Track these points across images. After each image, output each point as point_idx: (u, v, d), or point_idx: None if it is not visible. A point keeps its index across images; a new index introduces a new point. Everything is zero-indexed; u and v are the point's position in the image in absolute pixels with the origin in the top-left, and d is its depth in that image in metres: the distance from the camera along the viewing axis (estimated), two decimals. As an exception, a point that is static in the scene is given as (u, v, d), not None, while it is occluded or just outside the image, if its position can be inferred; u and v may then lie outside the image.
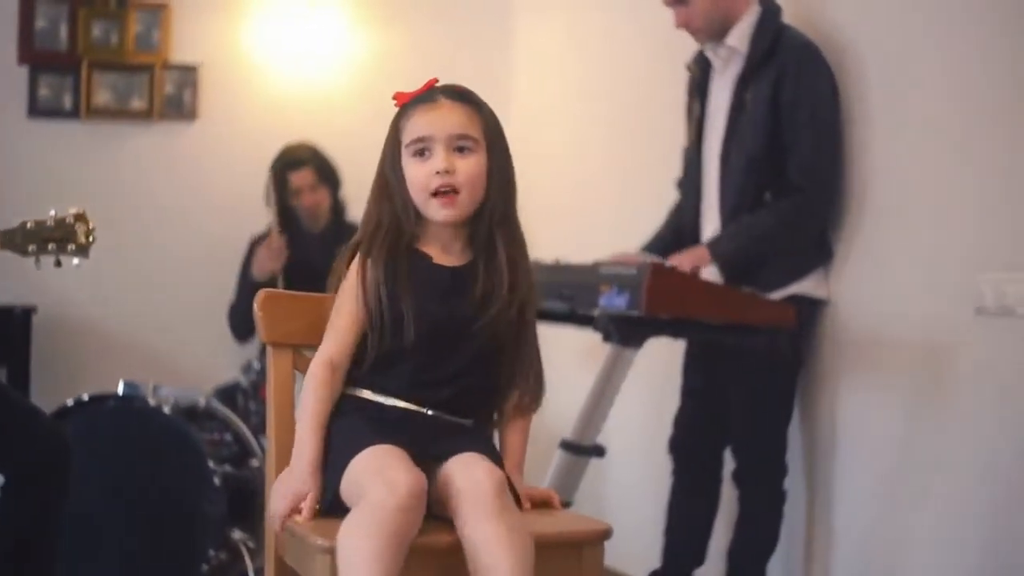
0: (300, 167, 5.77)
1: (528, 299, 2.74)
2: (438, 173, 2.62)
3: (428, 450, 2.56)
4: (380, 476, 2.42)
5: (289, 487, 2.59)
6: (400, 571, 2.37)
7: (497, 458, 2.62)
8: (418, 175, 2.64)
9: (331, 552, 2.40)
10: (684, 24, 4.23)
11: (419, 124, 2.65)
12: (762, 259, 4.10)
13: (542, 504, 2.70)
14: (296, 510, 2.57)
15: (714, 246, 4.11)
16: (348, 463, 2.52)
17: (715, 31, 4.20)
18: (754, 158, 4.12)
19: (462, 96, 2.71)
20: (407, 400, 2.64)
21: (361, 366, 2.68)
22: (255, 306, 2.81)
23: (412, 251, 2.69)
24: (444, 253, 2.70)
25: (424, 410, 2.64)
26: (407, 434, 2.57)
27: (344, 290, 2.69)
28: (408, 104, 2.69)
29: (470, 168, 2.65)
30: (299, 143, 5.84)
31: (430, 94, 2.69)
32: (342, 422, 2.63)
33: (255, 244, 5.85)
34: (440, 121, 2.64)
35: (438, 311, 2.64)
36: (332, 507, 2.54)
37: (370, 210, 2.73)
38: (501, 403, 2.77)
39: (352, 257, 2.70)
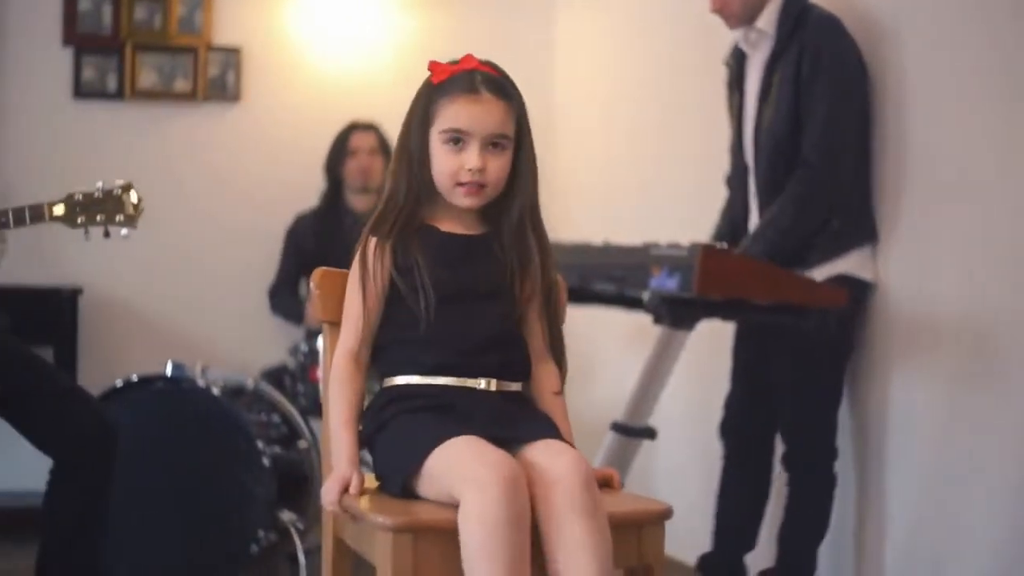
0: (367, 130, 5.85)
1: (555, 283, 2.76)
2: (470, 170, 2.63)
3: (500, 434, 2.53)
4: (469, 478, 2.39)
5: (334, 478, 2.58)
6: (528, 550, 2.39)
7: (567, 441, 2.61)
8: (449, 164, 2.65)
9: (392, 530, 2.40)
10: (719, 9, 4.23)
11: (459, 116, 2.64)
12: (798, 245, 4.08)
13: (603, 484, 2.68)
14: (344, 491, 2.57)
15: (745, 252, 4.08)
16: (422, 457, 2.50)
17: (748, 15, 4.19)
18: (779, 136, 4.10)
19: (502, 90, 2.68)
20: (453, 375, 2.63)
21: (391, 353, 2.68)
22: (311, 284, 2.80)
23: (422, 225, 2.70)
24: (456, 224, 2.72)
25: (476, 382, 2.63)
26: (471, 418, 2.55)
27: (352, 277, 2.70)
28: (448, 86, 2.66)
29: (500, 167, 2.66)
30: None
31: (471, 82, 2.65)
32: (401, 418, 2.61)
33: (300, 221, 5.88)
34: (481, 118, 2.64)
35: (453, 277, 2.65)
36: (401, 494, 2.57)
37: (390, 184, 2.73)
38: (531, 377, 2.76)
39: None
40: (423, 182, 2.68)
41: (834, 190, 4.08)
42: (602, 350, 5.71)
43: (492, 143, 2.64)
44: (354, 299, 2.69)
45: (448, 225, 2.71)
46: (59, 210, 3.54)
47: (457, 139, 2.63)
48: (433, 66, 2.71)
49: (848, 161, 4.09)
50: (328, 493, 2.56)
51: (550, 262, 2.74)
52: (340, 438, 2.61)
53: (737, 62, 4.36)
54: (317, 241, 5.75)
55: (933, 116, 3.99)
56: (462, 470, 2.42)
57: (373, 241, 2.68)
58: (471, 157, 2.63)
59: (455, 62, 2.69)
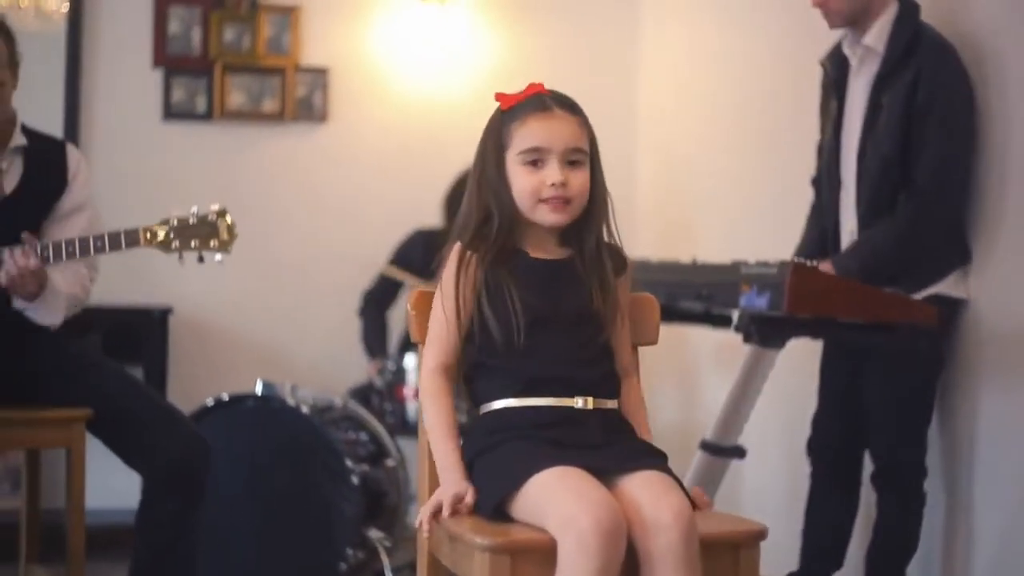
0: None
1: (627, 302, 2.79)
2: (553, 185, 2.65)
3: (602, 465, 2.53)
4: (567, 520, 2.39)
5: (446, 490, 2.59)
6: None
7: (671, 471, 2.60)
8: (530, 183, 2.67)
9: (490, 550, 2.42)
10: (822, 3, 4.17)
11: (534, 134, 2.67)
12: (889, 271, 4.05)
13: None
14: (455, 510, 2.57)
15: (838, 264, 4.06)
16: (520, 482, 2.50)
17: (850, 18, 4.12)
18: (889, 160, 4.06)
19: (572, 107, 2.73)
20: (549, 395, 2.64)
21: (484, 378, 2.70)
22: (408, 305, 2.83)
23: (513, 250, 2.73)
24: (540, 250, 2.74)
25: (572, 401, 2.63)
26: (572, 445, 2.56)
27: (442, 291, 2.71)
28: (518, 110, 2.71)
29: (581, 182, 2.69)
30: None
31: (542, 102, 2.70)
32: (501, 446, 2.61)
33: (416, 236, 5.88)
34: (557, 133, 2.67)
35: (542, 302, 2.66)
36: (493, 516, 2.57)
37: (476, 204, 2.74)
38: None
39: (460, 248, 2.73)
40: (508, 207, 2.71)
41: (942, 223, 4.05)
42: (693, 368, 5.70)
43: (570, 160, 2.68)
44: (445, 310, 2.70)
45: (534, 251, 2.74)
46: (154, 236, 3.59)
47: (536, 160, 2.67)
48: (500, 97, 2.75)
49: (958, 197, 4.06)
50: (440, 506, 2.57)
51: (627, 280, 2.78)
52: (447, 451, 2.64)
53: (836, 67, 4.28)
54: (424, 256, 5.75)
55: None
56: (560, 507, 2.42)
57: (470, 256, 2.70)
58: (552, 172, 2.66)
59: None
